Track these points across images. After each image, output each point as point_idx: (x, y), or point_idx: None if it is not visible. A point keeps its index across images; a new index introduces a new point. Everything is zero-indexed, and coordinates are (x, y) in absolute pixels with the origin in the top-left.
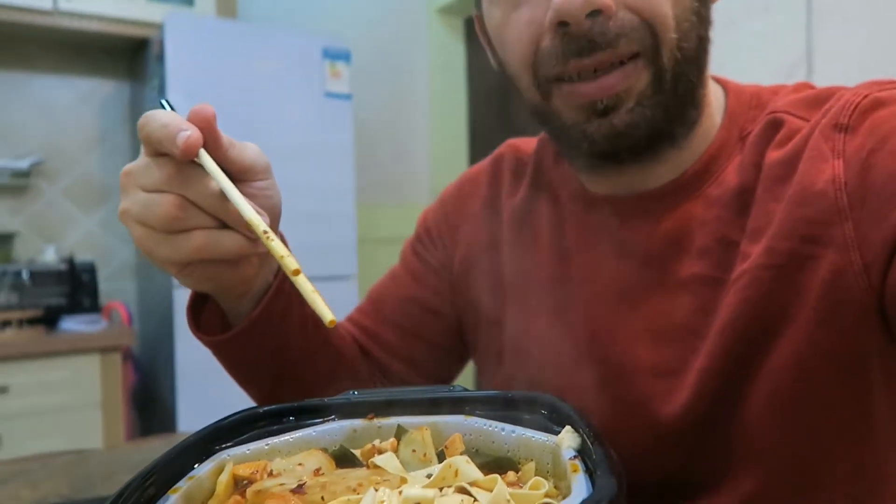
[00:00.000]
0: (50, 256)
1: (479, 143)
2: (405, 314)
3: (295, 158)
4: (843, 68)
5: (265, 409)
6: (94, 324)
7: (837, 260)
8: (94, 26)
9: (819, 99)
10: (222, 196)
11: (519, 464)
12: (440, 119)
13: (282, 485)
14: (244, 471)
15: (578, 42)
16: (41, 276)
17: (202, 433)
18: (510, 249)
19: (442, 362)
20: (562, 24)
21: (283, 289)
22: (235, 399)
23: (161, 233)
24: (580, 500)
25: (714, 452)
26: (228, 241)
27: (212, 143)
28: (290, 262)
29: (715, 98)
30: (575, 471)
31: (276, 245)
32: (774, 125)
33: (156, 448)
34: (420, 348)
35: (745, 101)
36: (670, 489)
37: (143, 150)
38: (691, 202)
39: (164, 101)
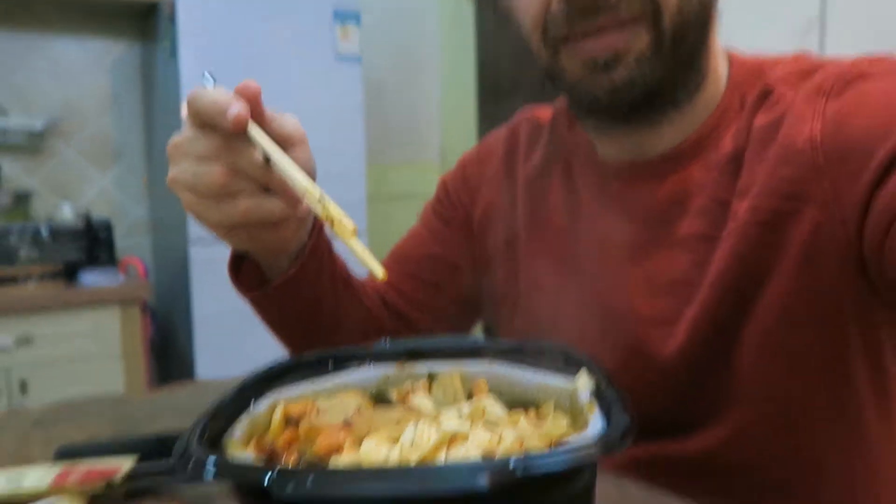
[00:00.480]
0: (66, 214)
1: (488, 103)
2: (426, 270)
3: (306, 120)
4: (856, 30)
5: (307, 355)
6: (113, 278)
7: (817, 216)
8: None
9: (810, 71)
10: (266, 164)
11: (538, 405)
12: (450, 79)
13: (329, 423)
14: (294, 409)
15: (583, 3)
16: (60, 233)
17: (255, 376)
18: (525, 209)
19: (460, 314)
20: None
21: (317, 248)
22: (249, 348)
23: (210, 199)
24: (597, 431)
25: (706, 392)
26: (272, 206)
27: (257, 116)
28: (348, 223)
29: (721, 67)
30: (591, 410)
31: (333, 209)
32: (765, 94)
33: (184, 395)
34: (440, 301)
35: (747, 72)
36: (666, 425)
37: (188, 122)
38: (692, 166)
39: (207, 73)
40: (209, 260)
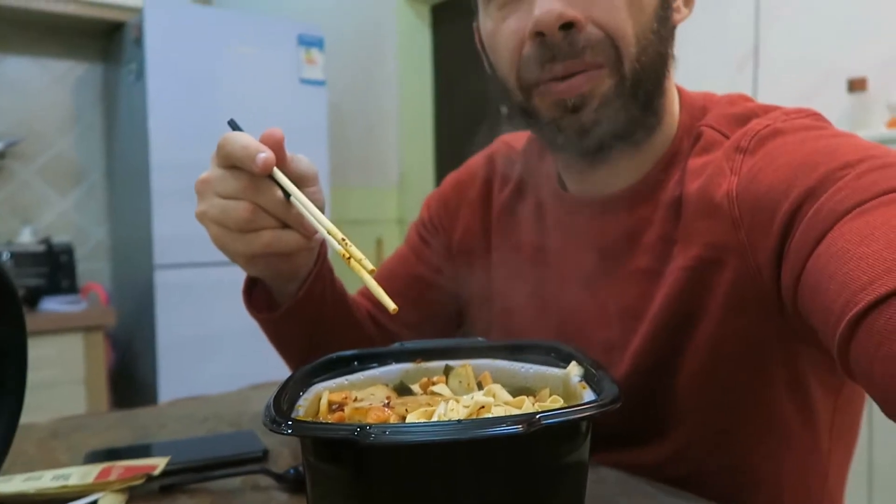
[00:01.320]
0: (27, 238)
1: (444, 130)
2: (411, 289)
3: None
4: (787, 63)
5: (338, 356)
6: (75, 304)
7: (738, 265)
8: (71, 9)
9: (743, 118)
10: (286, 203)
11: (536, 392)
12: (408, 104)
13: (370, 404)
14: (336, 397)
15: (552, 50)
16: (21, 258)
17: (301, 372)
18: (498, 237)
19: (443, 330)
20: (539, 34)
21: (321, 274)
22: (212, 373)
23: (235, 232)
24: (590, 400)
25: (648, 414)
26: (289, 238)
27: (279, 160)
28: (367, 263)
29: (675, 109)
30: (584, 388)
31: (354, 249)
32: (699, 138)
33: (187, 407)
34: (424, 318)
35: (695, 115)
36: (615, 440)
37: (216, 162)
38: (644, 206)
39: (233, 122)
40: (173, 285)
